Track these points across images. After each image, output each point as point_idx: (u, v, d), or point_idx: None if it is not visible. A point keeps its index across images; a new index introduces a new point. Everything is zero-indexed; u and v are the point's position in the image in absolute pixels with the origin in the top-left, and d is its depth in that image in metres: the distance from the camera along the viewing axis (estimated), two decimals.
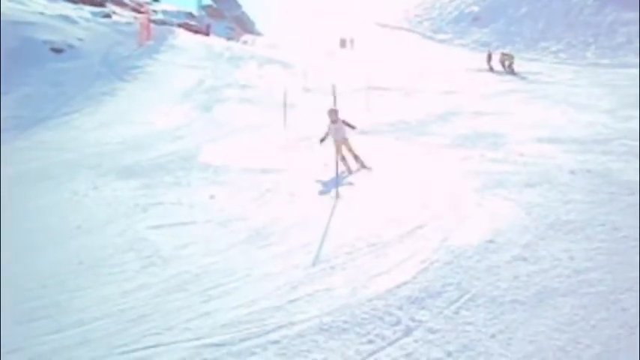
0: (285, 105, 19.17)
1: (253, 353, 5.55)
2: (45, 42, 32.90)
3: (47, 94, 27.11)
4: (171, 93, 28.69)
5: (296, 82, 30.89)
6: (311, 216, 10.25)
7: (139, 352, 5.96)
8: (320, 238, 9.09)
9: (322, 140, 13.99)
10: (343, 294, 6.79)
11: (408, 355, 5.38)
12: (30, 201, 13.28)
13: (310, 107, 23.99)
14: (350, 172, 13.80)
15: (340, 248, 8.44)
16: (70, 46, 33.66)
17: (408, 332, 5.78)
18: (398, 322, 5.98)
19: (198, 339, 6.03)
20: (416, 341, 5.60)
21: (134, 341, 6.22)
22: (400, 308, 6.29)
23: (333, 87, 13.22)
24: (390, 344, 5.58)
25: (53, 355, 6.20)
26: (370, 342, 5.64)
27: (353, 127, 13.99)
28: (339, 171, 12.51)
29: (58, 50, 32.83)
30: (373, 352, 5.46)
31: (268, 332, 5.96)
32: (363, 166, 13.94)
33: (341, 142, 13.82)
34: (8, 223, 11.44)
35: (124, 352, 6.01)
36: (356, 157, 14.08)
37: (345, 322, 6.05)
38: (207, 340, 5.95)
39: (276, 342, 5.73)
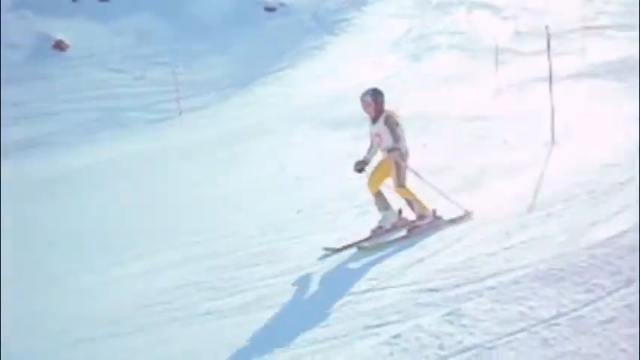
0: (496, 50, 18.64)
1: (469, 299, 5.58)
2: (258, 2, 34.52)
3: (261, 52, 28.50)
4: (380, 44, 28.92)
5: (507, 26, 29.79)
6: (525, 163, 10.03)
7: (353, 296, 6.28)
8: (535, 185, 8.91)
9: (364, 165, 8.25)
10: (560, 242, 6.62)
11: (628, 306, 5.16)
12: (250, 153, 14.17)
13: (522, 51, 23.17)
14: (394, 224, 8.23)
15: (557, 195, 8.22)
16: (282, 4, 35.06)
17: (629, 283, 5.53)
18: (618, 272, 5.74)
19: (413, 284, 6.19)
20: (637, 293, 5.36)
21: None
22: (621, 257, 6.02)
23: (547, 28, 11.92)
24: (609, 294, 5.38)
25: (272, 296, 6.77)
26: (588, 291, 5.47)
27: (397, 139, 8.01)
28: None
29: (270, 9, 34.40)
30: (591, 302, 5.31)
31: (483, 279, 5.97)
32: (421, 214, 8.00)
33: (381, 165, 8.27)
34: (234, 172, 12.37)
35: (340, 296, 6.34)
36: (408, 202, 8.11)
37: (562, 270, 5.88)
38: (423, 285, 6.07)
39: (491, 288, 5.71)
